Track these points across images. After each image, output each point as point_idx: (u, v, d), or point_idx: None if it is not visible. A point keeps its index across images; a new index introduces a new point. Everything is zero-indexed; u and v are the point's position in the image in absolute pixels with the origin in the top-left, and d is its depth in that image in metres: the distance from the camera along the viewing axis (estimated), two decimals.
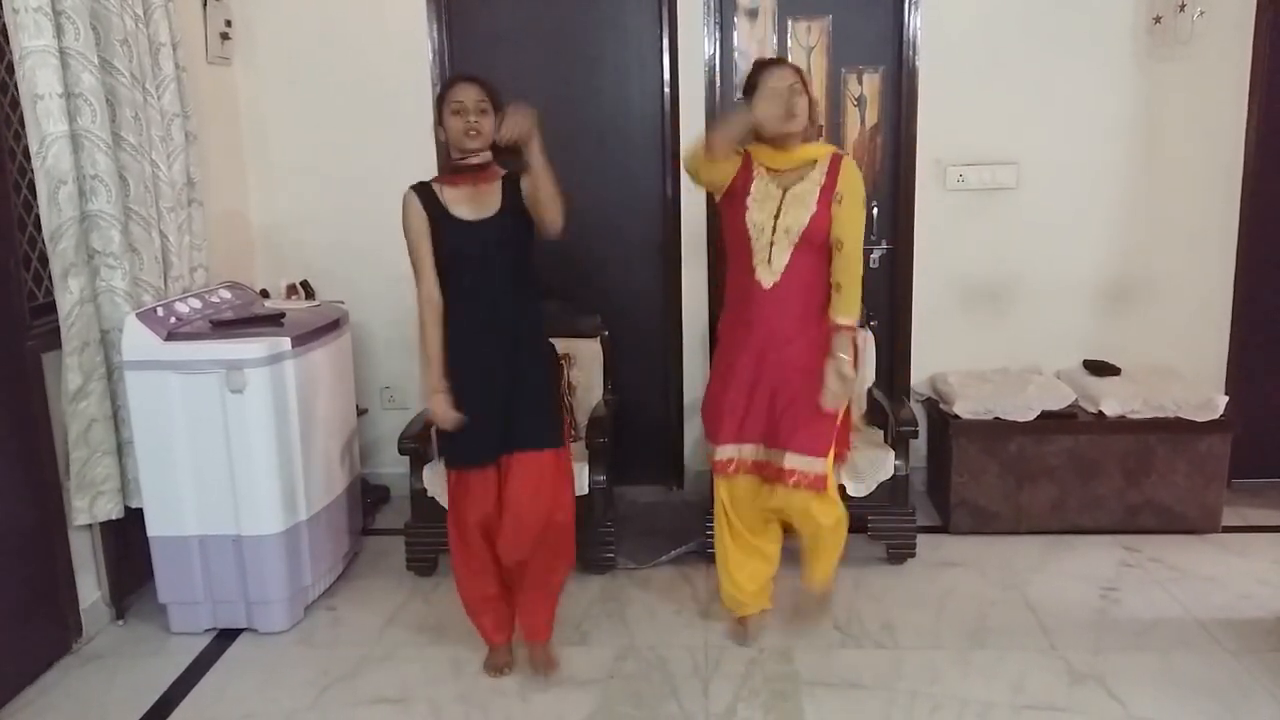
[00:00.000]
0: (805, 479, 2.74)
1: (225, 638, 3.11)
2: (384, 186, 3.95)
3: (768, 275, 2.72)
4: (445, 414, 2.64)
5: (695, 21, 3.89)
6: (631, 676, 2.84)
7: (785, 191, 2.71)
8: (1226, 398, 3.68)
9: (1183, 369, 3.95)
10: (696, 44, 3.91)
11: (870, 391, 3.71)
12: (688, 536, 3.60)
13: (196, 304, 3.20)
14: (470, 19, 4.00)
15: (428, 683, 2.83)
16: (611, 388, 3.86)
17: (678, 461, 4.26)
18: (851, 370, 2.67)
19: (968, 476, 3.71)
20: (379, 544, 3.75)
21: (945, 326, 4.07)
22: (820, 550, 2.90)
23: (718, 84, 3.94)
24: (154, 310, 3.02)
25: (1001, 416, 3.67)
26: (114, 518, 3.05)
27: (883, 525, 3.43)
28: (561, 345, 3.65)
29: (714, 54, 3.92)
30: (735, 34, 3.95)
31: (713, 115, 3.94)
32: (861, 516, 3.35)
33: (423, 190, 2.66)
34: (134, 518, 3.08)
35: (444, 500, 3.06)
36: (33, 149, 2.79)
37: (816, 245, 2.70)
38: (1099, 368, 3.92)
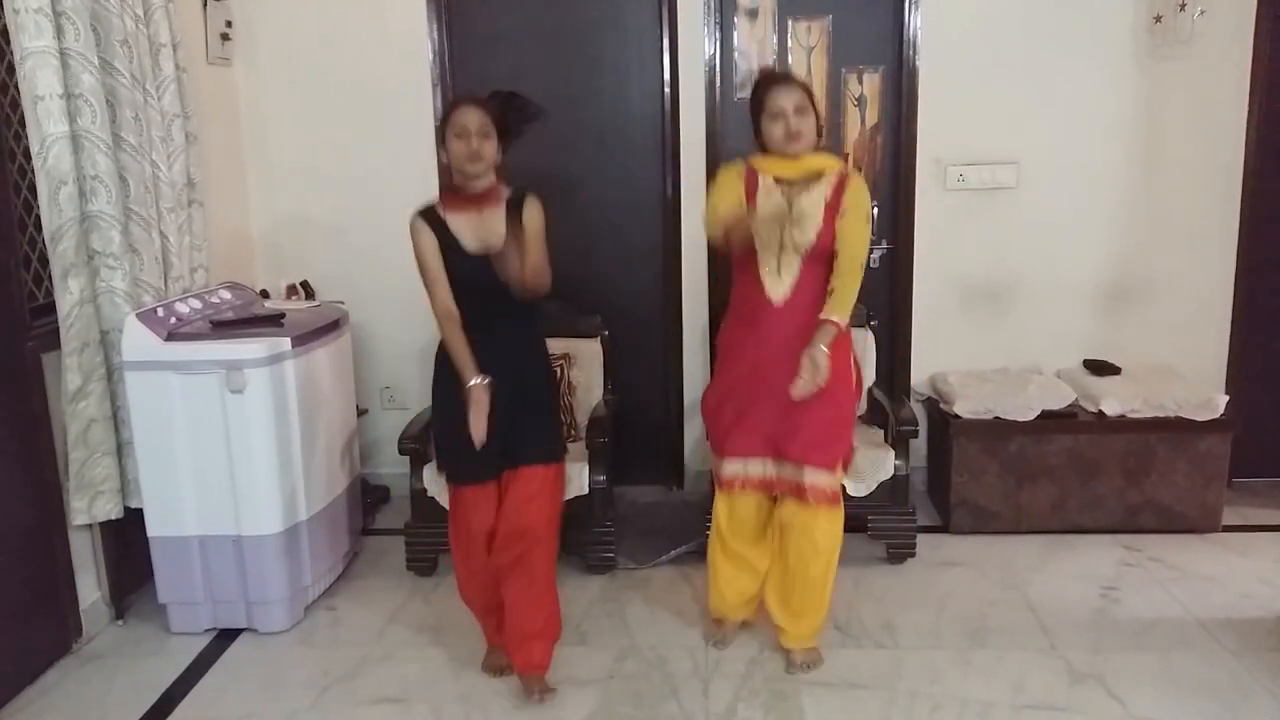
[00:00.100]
0: (824, 495, 2.72)
1: (225, 638, 3.11)
2: (384, 187, 4.01)
3: (777, 288, 2.68)
4: (483, 400, 2.55)
5: (695, 21, 3.89)
6: (631, 676, 2.84)
7: (792, 204, 2.67)
8: (1227, 397, 3.68)
9: (1183, 368, 3.95)
10: (696, 44, 3.91)
11: (870, 391, 3.71)
12: (688, 536, 3.60)
13: (196, 304, 3.21)
14: (470, 19, 4.00)
15: (428, 683, 2.83)
16: (611, 387, 3.86)
17: (678, 461, 4.26)
18: (827, 363, 2.55)
19: (968, 476, 3.71)
20: (379, 544, 3.75)
21: (945, 326, 4.07)
22: (802, 589, 2.79)
23: (718, 84, 3.94)
24: (154, 311, 3.02)
25: (1002, 416, 3.67)
26: (113, 518, 3.05)
27: (883, 525, 3.43)
28: (561, 345, 3.68)
29: (714, 54, 3.92)
30: (735, 34, 3.95)
31: (713, 115, 3.94)
32: (861, 516, 3.35)
33: (429, 215, 2.64)
34: (134, 518, 3.08)
35: (444, 500, 3.07)
36: (33, 150, 2.79)
37: (824, 259, 2.67)
38: (1099, 367, 3.92)
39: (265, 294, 3.84)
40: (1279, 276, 3.97)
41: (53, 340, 2.91)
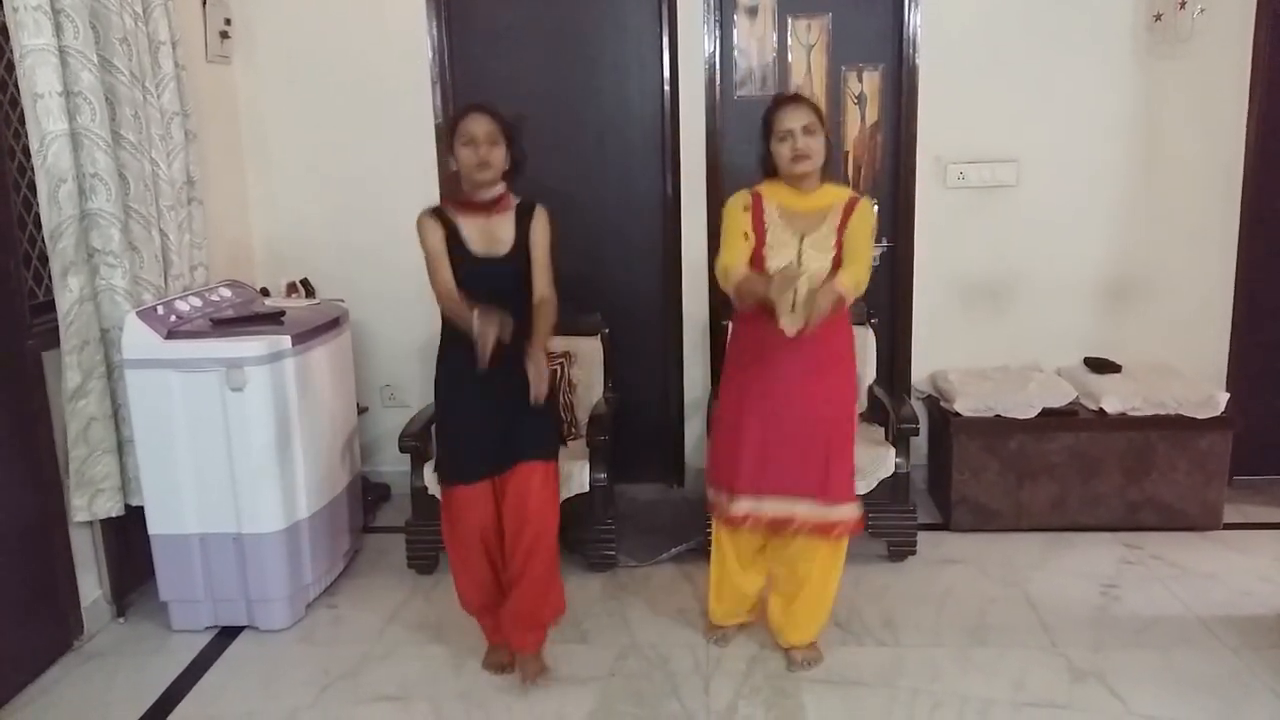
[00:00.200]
0: (851, 527, 2.74)
1: (226, 635, 3.11)
2: (383, 185, 4.01)
3: (791, 322, 2.57)
4: (489, 317, 2.45)
5: (695, 20, 3.89)
6: (632, 675, 2.84)
7: (802, 239, 2.65)
8: (1227, 395, 3.68)
9: (1183, 366, 3.95)
10: (696, 42, 3.91)
11: (871, 389, 3.71)
12: (688, 534, 3.60)
13: (196, 302, 3.20)
14: (470, 18, 3.99)
15: (428, 680, 2.83)
16: (612, 386, 3.86)
17: (678, 459, 4.26)
18: (828, 304, 2.48)
19: (968, 474, 3.71)
20: (379, 542, 3.75)
21: (946, 324, 4.07)
22: (809, 598, 2.81)
23: (717, 82, 3.94)
24: (154, 309, 3.02)
25: (1002, 414, 3.67)
26: (113, 515, 3.05)
27: (883, 523, 3.43)
28: (562, 343, 3.67)
29: (714, 52, 3.92)
30: (735, 32, 3.95)
31: (712, 113, 3.94)
32: (862, 514, 3.34)
33: (438, 213, 2.65)
34: (135, 516, 3.08)
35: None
36: (33, 147, 2.79)
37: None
38: (1100, 365, 3.92)
39: (265, 292, 3.84)
40: (1278, 273, 3.97)
41: (52, 338, 2.91)
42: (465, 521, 2.72)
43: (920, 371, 4.11)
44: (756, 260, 2.67)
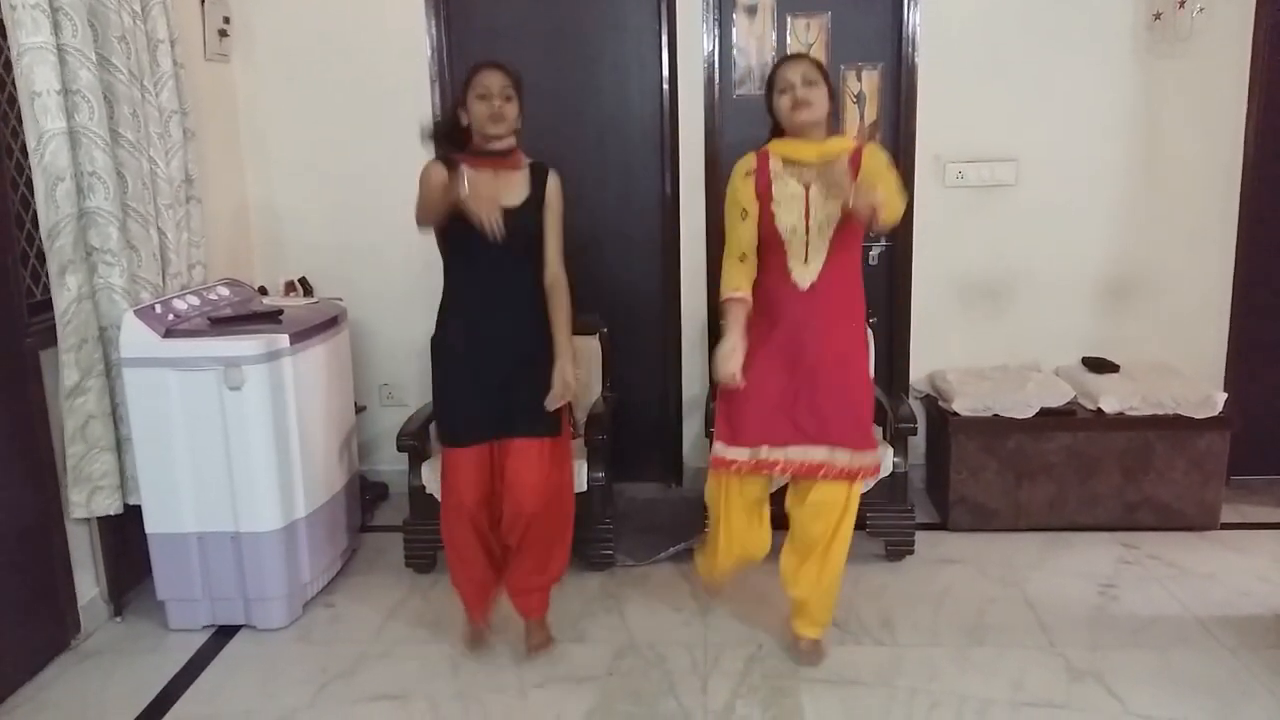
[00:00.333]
0: (872, 469, 2.79)
1: (223, 634, 3.11)
2: (382, 184, 4.00)
3: (804, 275, 2.64)
4: (476, 182, 2.44)
5: (694, 18, 3.89)
6: (630, 674, 2.84)
7: (808, 187, 2.64)
8: (1225, 395, 3.68)
9: (1182, 366, 3.95)
10: (695, 41, 3.90)
11: None
12: (686, 533, 3.60)
13: (194, 301, 3.20)
14: (469, 16, 3.99)
15: (426, 679, 2.83)
16: (610, 385, 3.85)
17: (676, 458, 4.26)
18: (843, 176, 2.52)
19: (966, 474, 3.71)
20: (377, 541, 3.75)
21: (944, 323, 4.07)
22: (817, 563, 2.81)
23: (717, 80, 3.93)
24: (152, 307, 3.02)
25: (1000, 413, 3.67)
26: (111, 513, 3.05)
27: (881, 522, 3.43)
28: None
29: (713, 50, 3.92)
30: (734, 30, 3.95)
31: (711, 111, 3.93)
32: (860, 513, 3.33)
33: (446, 164, 2.63)
34: (132, 514, 3.08)
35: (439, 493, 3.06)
36: (30, 146, 2.79)
37: (849, 238, 2.66)
38: (1098, 365, 3.92)
39: (263, 291, 3.84)
40: (1278, 273, 3.97)
41: (50, 337, 2.90)
42: (460, 492, 2.74)
43: (918, 371, 4.10)
44: (766, 217, 2.66)
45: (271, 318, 3.17)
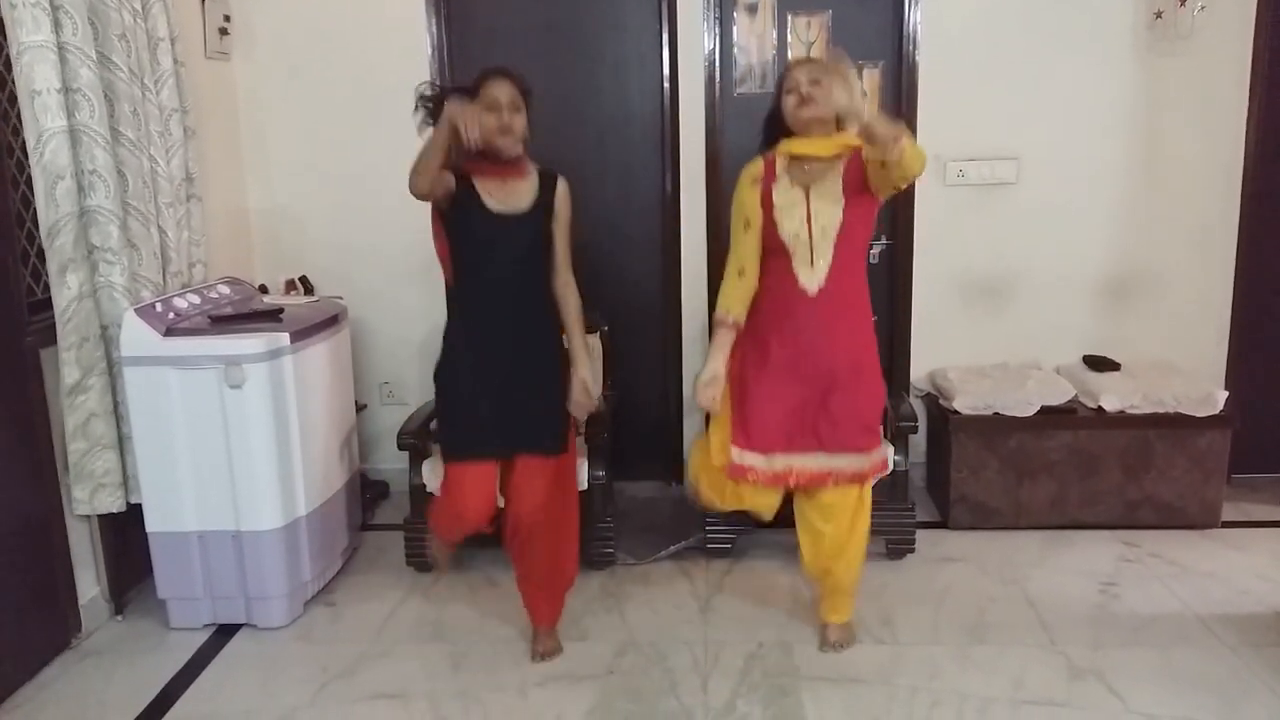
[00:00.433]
0: (881, 467, 2.79)
1: (224, 633, 3.11)
2: (382, 182, 3.99)
3: (811, 280, 2.63)
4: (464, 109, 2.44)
5: (695, 17, 3.88)
6: (631, 672, 2.84)
7: (808, 190, 2.64)
8: (1226, 393, 3.68)
9: (1182, 364, 3.95)
10: (696, 39, 3.90)
11: None
12: (687, 532, 3.60)
13: (195, 299, 3.20)
14: (469, 14, 3.99)
15: (427, 678, 2.83)
16: (611, 383, 3.85)
17: (677, 457, 4.25)
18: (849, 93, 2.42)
19: (967, 472, 3.70)
20: (378, 539, 3.75)
21: (945, 322, 4.06)
22: (848, 554, 2.85)
23: (717, 79, 3.93)
24: (153, 306, 3.01)
25: (1001, 412, 3.67)
26: (114, 511, 3.05)
27: (882, 521, 3.42)
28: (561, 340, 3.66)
29: (714, 49, 3.91)
30: (735, 29, 3.95)
31: (712, 110, 3.93)
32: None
33: (452, 169, 2.62)
34: (133, 513, 3.08)
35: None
36: (30, 144, 2.78)
37: (855, 240, 2.65)
38: (1099, 363, 3.91)
39: (264, 289, 3.84)
40: (1279, 271, 3.97)
41: (50, 336, 2.90)
42: (463, 507, 2.72)
43: (919, 369, 4.10)
44: (770, 224, 2.66)
45: (272, 316, 3.16)
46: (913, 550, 3.48)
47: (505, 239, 2.62)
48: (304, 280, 4.02)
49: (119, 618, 3.19)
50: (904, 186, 2.60)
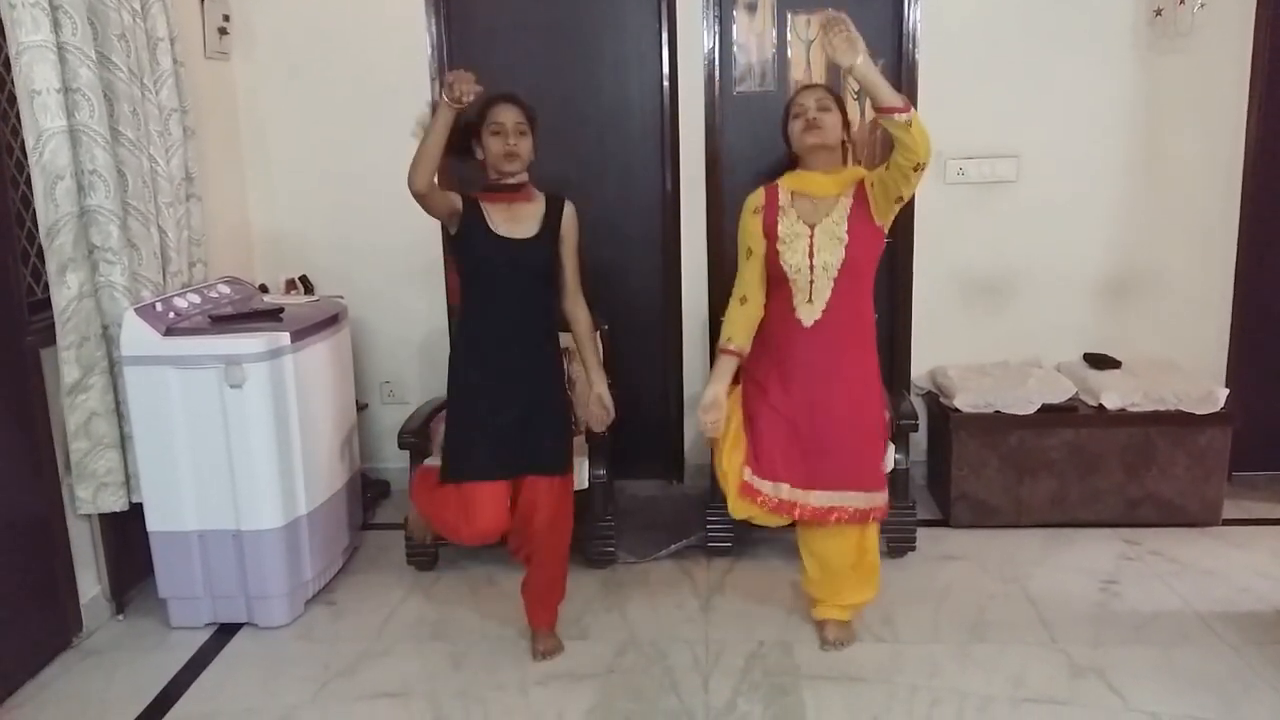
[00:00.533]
0: (880, 513, 2.78)
1: (225, 632, 3.11)
2: (382, 182, 3.96)
3: (809, 313, 2.66)
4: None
5: (694, 15, 3.88)
6: (631, 671, 2.84)
7: (813, 228, 2.65)
8: (1227, 390, 3.67)
9: (1183, 362, 3.95)
10: (695, 38, 3.90)
11: None
12: (688, 530, 3.60)
13: (195, 299, 3.20)
14: (469, 13, 3.99)
15: (427, 677, 2.83)
16: (611, 382, 3.83)
17: (678, 455, 4.26)
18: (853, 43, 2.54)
19: (968, 470, 3.70)
20: (379, 539, 3.75)
21: (945, 320, 4.06)
22: (859, 576, 2.88)
23: (717, 78, 3.93)
24: (153, 305, 3.02)
25: (1002, 410, 3.67)
26: (117, 509, 3.05)
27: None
28: (561, 339, 3.66)
29: (713, 48, 3.91)
30: (734, 27, 3.94)
31: (712, 109, 3.93)
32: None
33: (462, 193, 2.67)
34: (134, 513, 3.08)
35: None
36: (30, 144, 2.78)
37: (857, 275, 2.66)
38: (1099, 361, 3.91)
39: (264, 289, 3.84)
40: (1279, 269, 3.97)
41: (50, 335, 2.90)
42: (475, 524, 2.70)
43: (920, 367, 4.10)
44: (773, 254, 2.67)
45: (272, 316, 3.17)
46: (913, 548, 3.48)
47: (512, 264, 2.65)
48: (304, 280, 4.02)
49: (120, 617, 3.19)
50: (907, 193, 2.59)
